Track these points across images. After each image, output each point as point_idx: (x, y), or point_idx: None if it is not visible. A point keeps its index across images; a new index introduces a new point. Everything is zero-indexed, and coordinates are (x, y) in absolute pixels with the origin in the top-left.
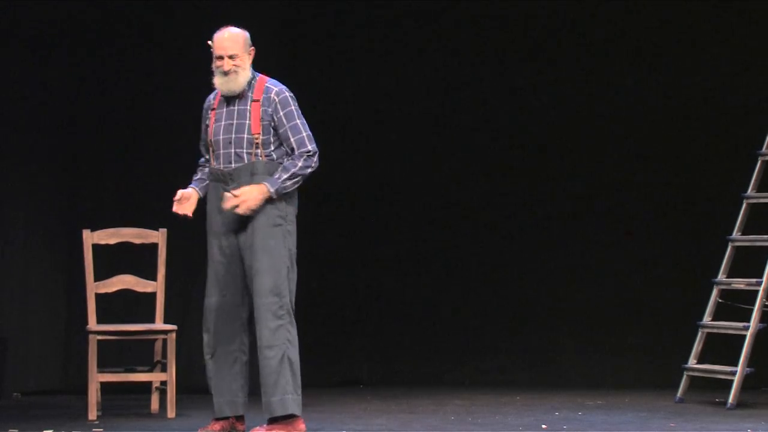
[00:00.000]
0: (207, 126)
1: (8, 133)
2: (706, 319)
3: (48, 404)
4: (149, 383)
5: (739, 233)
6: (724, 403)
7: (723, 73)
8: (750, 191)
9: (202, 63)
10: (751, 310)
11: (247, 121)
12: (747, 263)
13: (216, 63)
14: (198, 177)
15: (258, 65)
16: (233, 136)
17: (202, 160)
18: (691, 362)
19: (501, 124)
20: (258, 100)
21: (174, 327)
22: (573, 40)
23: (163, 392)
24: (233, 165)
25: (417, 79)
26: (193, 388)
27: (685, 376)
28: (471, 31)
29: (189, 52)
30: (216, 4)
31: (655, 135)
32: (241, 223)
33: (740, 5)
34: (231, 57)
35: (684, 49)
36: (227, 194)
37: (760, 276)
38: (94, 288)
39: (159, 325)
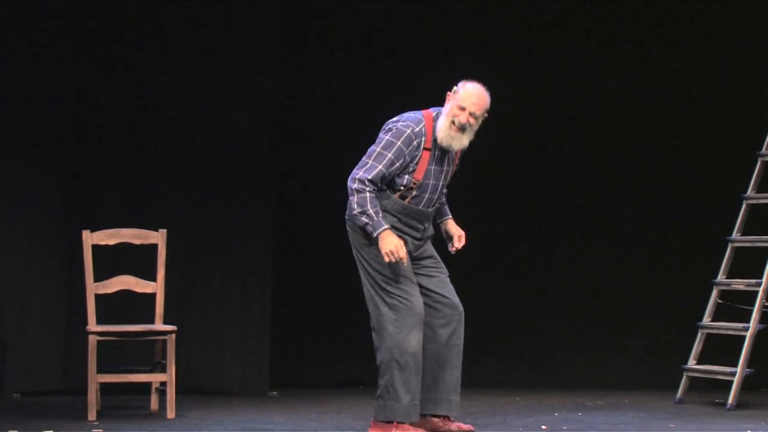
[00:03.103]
0: (416, 163)
1: (8, 133)
2: (706, 319)
3: (48, 404)
4: (149, 384)
5: (739, 234)
6: (724, 403)
7: (723, 74)
8: (750, 192)
9: (203, 63)
10: (751, 311)
11: (451, 169)
12: (747, 264)
13: (455, 111)
14: (377, 208)
15: (258, 65)
16: (440, 182)
17: (373, 188)
18: (691, 363)
19: (500, 124)
20: (459, 150)
21: (174, 328)
22: (572, 41)
23: (162, 393)
24: (430, 209)
25: (416, 78)
26: (193, 388)
27: (684, 377)
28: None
29: (190, 53)
30: (217, 5)
31: (655, 135)
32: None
33: (740, 5)
34: (472, 114)
35: (684, 50)
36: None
37: (760, 277)
38: (93, 288)
39: (159, 325)
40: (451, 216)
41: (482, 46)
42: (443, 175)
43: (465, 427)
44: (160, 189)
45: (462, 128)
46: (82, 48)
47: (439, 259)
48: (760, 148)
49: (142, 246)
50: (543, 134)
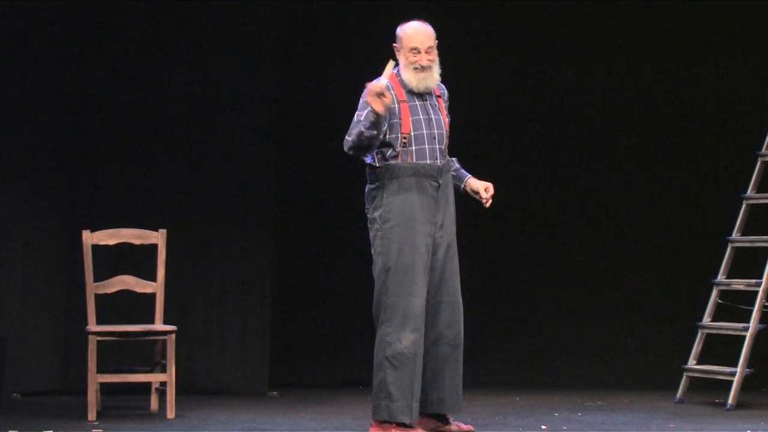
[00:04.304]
0: (398, 118)
1: (8, 133)
2: (706, 319)
3: (48, 404)
4: (149, 384)
5: (739, 234)
6: (724, 403)
7: (723, 74)
8: (750, 192)
9: (203, 63)
10: (751, 311)
11: (441, 117)
12: (747, 264)
13: (410, 58)
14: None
15: (259, 65)
16: (435, 131)
17: (369, 159)
18: (691, 363)
19: (500, 124)
20: (440, 96)
21: (173, 328)
22: (572, 41)
23: (162, 393)
24: (439, 161)
25: None
26: (193, 388)
27: (684, 377)
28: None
29: (190, 52)
30: (217, 5)
31: (655, 135)
32: (441, 219)
33: (741, 6)
34: (428, 51)
35: (684, 50)
36: (487, 194)
37: (760, 277)
38: (93, 289)
39: (158, 325)
40: (470, 175)
41: (483, 45)
42: (435, 123)
43: (465, 427)
44: (160, 189)
45: (423, 68)
46: (82, 48)
47: (455, 249)
48: (760, 148)
49: (142, 246)
50: (543, 134)
